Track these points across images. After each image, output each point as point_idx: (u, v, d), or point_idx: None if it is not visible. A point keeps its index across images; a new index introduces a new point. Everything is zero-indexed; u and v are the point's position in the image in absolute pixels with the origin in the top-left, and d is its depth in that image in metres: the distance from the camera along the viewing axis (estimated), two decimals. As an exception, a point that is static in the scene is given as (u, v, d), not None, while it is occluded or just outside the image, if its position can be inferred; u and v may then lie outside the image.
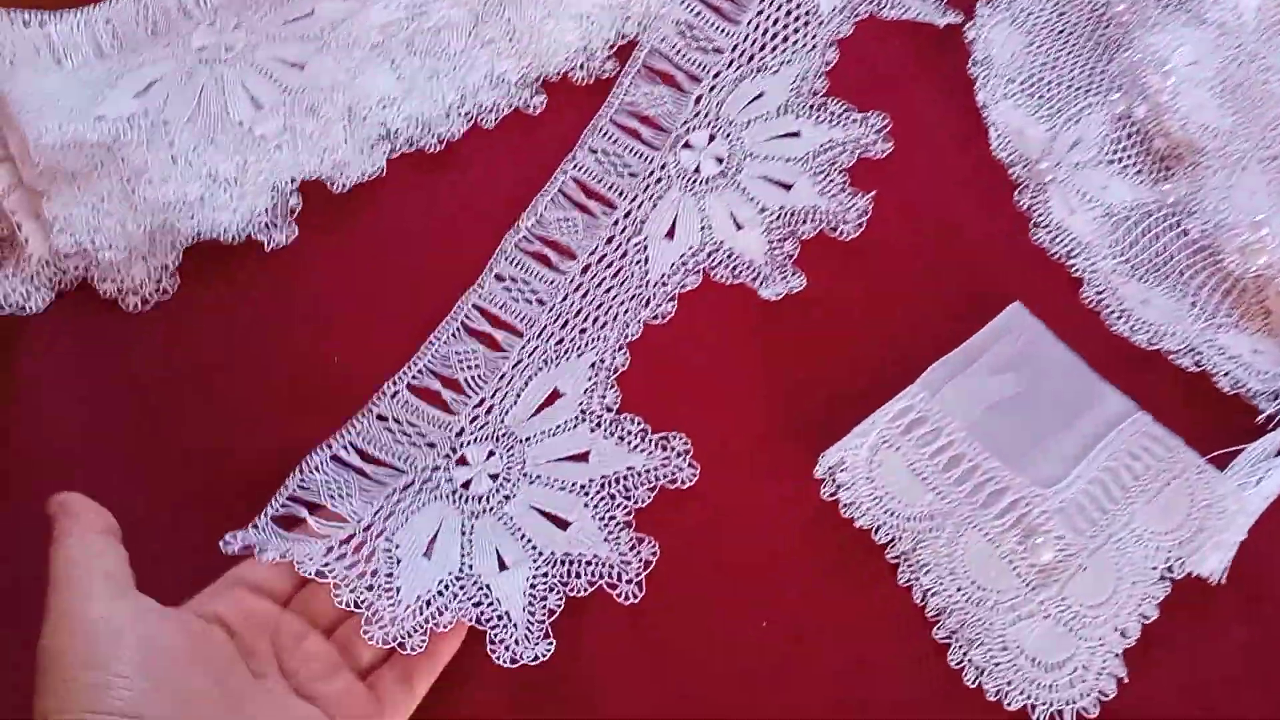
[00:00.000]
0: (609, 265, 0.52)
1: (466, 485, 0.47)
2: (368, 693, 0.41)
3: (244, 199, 0.51)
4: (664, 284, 0.52)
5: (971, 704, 0.43)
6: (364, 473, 0.47)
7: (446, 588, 0.44)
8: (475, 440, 0.48)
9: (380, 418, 0.49)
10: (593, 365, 0.49)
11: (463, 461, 0.48)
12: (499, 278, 0.52)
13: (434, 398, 0.49)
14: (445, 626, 0.43)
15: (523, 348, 0.50)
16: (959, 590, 0.44)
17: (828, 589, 0.45)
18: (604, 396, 0.49)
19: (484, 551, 0.45)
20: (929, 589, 0.45)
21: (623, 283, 0.52)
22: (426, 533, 0.46)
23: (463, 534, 0.46)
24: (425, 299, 0.51)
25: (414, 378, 0.49)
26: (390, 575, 0.44)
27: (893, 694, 0.43)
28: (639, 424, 0.48)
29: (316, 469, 0.47)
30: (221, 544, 0.43)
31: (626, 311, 0.51)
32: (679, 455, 0.47)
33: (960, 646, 0.44)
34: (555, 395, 0.49)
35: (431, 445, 0.48)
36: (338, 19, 0.53)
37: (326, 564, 0.43)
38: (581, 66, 0.57)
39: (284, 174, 0.52)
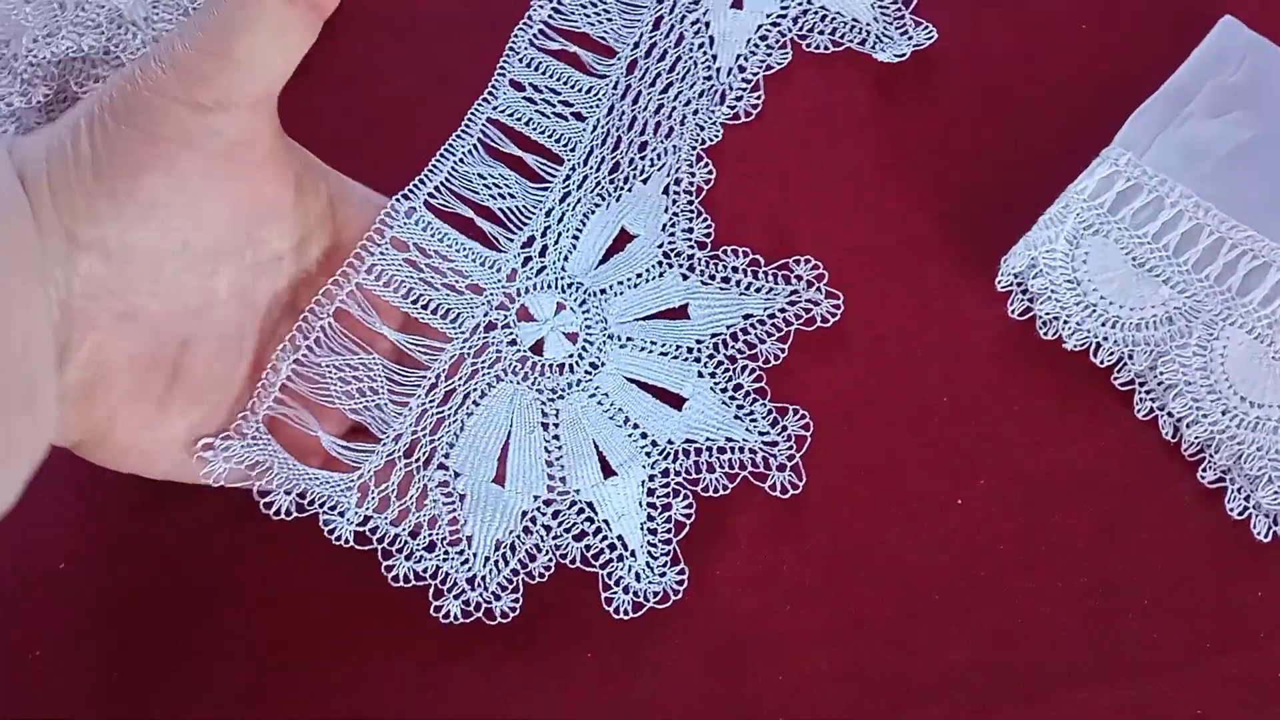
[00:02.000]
0: (662, 57, 0.38)
1: (538, 350, 0.34)
2: None
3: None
4: (740, 68, 0.38)
5: (1265, 566, 0.31)
6: (382, 343, 0.34)
7: (534, 521, 0.32)
8: (536, 288, 0.35)
9: (399, 245, 0.34)
10: (666, 190, 0.36)
11: (526, 315, 0.35)
12: (516, 85, 0.38)
13: (466, 225, 0.36)
14: (540, 576, 0.31)
15: (567, 178, 0.37)
16: (1225, 413, 0.32)
17: (1040, 441, 0.33)
18: (690, 229, 0.35)
19: (578, 451, 0.33)
20: (1182, 417, 0.33)
21: (684, 76, 0.38)
22: (495, 437, 0.33)
23: (545, 428, 0.33)
24: (422, 132, 0.37)
25: (431, 194, 0.36)
26: (455, 521, 0.32)
27: (1149, 561, 0.32)
28: (745, 256, 0.35)
29: (317, 343, 0.33)
30: (195, 461, 0.31)
31: (697, 113, 0.37)
32: (809, 286, 0.34)
33: (1239, 489, 0.32)
34: (625, 237, 0.36)
35: (478, 290, 0.35)
36: None
37: (368, 520, 0.32)
38: None
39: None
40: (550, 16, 0.39)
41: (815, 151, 0.38)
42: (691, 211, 0.36)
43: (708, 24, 0.39)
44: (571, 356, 0.34)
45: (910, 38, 0.38)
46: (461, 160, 0.36)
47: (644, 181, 0.37)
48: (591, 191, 0.37)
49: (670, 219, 0.36)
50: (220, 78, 0.28)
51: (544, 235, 0.36)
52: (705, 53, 0.39)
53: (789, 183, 0.37)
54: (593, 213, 0.36)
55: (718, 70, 0.39)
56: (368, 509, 0.32)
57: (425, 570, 0.32)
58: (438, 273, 0.35)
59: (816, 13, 0.39)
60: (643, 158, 0.37)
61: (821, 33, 0.39)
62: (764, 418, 0.33)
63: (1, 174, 0.28)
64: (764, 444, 0.33)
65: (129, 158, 0.28)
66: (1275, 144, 0.35)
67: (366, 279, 0.34)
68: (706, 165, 0.37)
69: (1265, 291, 0.33)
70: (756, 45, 0.39)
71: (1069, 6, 0.39)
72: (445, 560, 0.32)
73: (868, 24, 0.39)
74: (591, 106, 0.38)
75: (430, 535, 0.32)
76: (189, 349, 0.30)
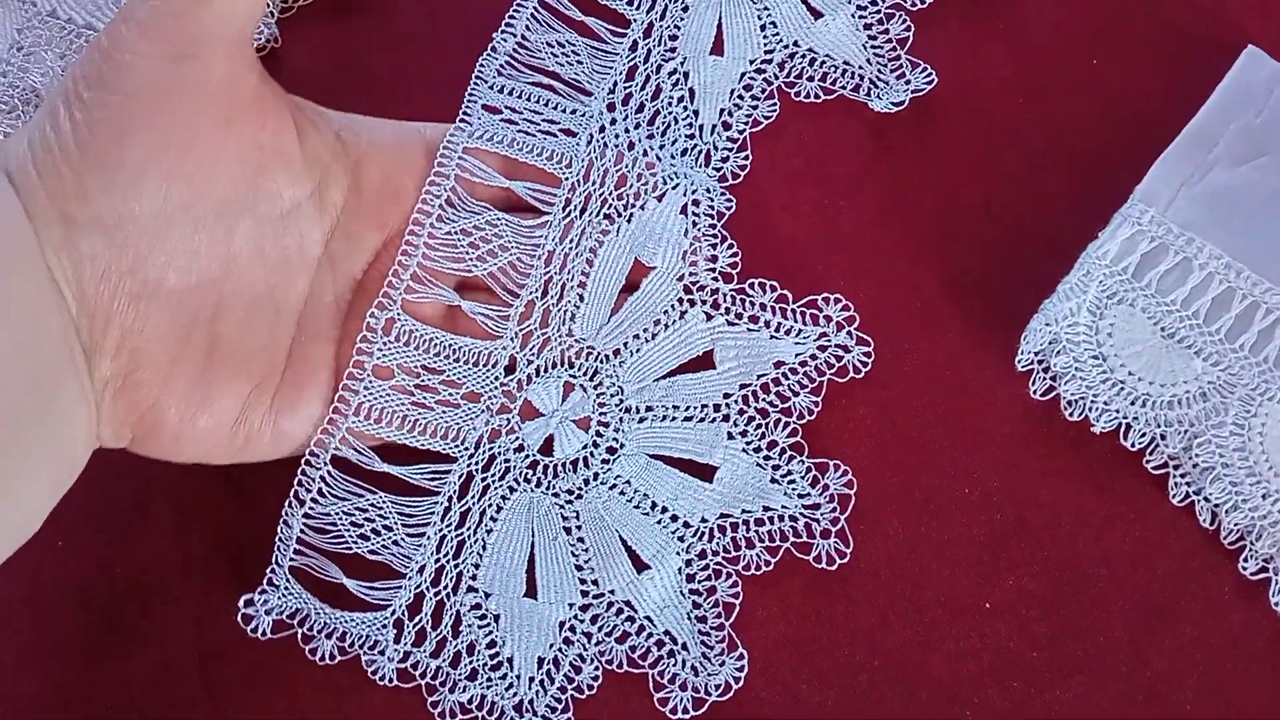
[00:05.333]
0: (640, 109, 0.35)
1: (547, 448, 0.32)
2: None
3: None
4: (725, 125, 0.34)
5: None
6: (388, 480, 0.32)
7: (573, 630, 0.30)
8: (538, 373, 0.32)
9: (382, 373, 0.32)
10: (684, 210, 0.33)
11: (531, 413, 0.32)
12: (490, 110, 0.34)
13: (453, 316, 0.33)
14: (589, 688, 0.30)
15: (567, 202, 0.33)
16: (1266, 497, 0.30)
17: (1070, 533, 0.31)
18: (714, 256, 0.33)
19: (606, 550, 0.31)
20: (1221, 503, 0.30)
21: (664, 132, 0.34)
22: (519, 550, 0.31)
23: (568, 532, 0.31)
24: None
25: (410, 289, 0.32)
26: (493, 644, 0.30)
27: (1191, 662, 0.30)
28: (774, 290, 0.32)
29: (321, 493, 0.31)
30: (240, 619, 0.30)
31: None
32: (840, 329, 0.32)
33: (1284, 578, 0.30)
34: (640, 270, 0.33)
35: (474, 398, 0.32)
36: None
37: (408, 655, 0.30)
38: None
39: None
40: (515, 50, 0.36)
41: (806, 214, 0.35)
42: (715, 236, 0.33)
43: (686, 75, 0.36)
44: (585, 448, 0.32)
45: (908, 82, 0.35)
46: (439, 219, 0.33)
47: (659, 199, 0.33)
48: (597, 214, 0.33)
49: (691, 244, 0.33)
50: (187, 24, 0.27)
51: (544, 295, 0.33)
52: (686, 108, 0.36)
53: (776, 253, 0.34)
54: (600, 244, 0.33)
55: (700, 128, 0.35)
56: (406, 644, 0.30)
57: (471, 701, 0.30)
58: (429, 391, 0.32)
59: (804, 56, 0.36)
60: (654, 174, 0.33)
61: (811, 79, 0.36)
62: (803, 478, 0.31)
63: None
64: (805, 508, 0.31)
65: (110, 124, 0.27)
66: (1305, 193, 0.33)
67: (356, 421, 0.31)
68: (726, 195, 0.34)
69: (1305, 359, 0.31)
70: (741, 96, 0.36)
71: (1075, 40, 0.36)
72: (489, 687, 0.30)
73: (860, 67, 0.36)
74: (580, 121, 0.34)
75: (471, 663, 0.30)
76: (221, 317, 0.29)
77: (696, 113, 0.36)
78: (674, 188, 0.33)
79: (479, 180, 0.33)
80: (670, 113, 0.36)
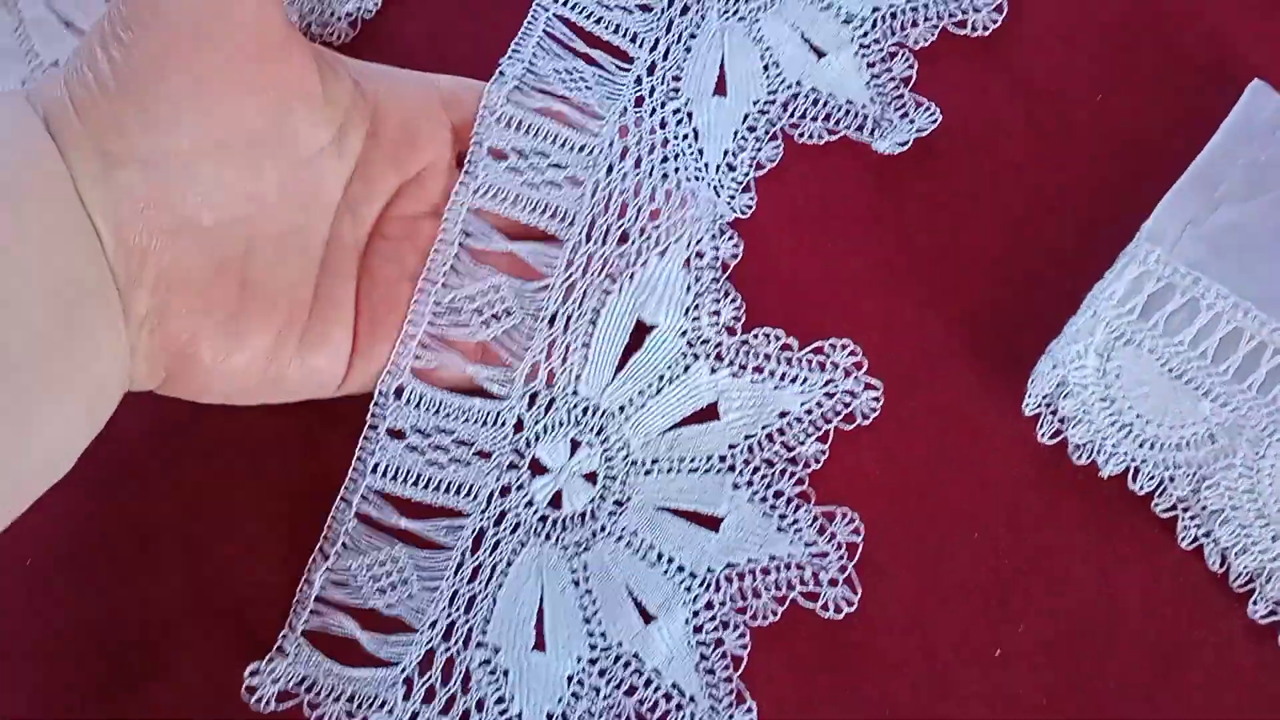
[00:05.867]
0: (642, 146, 0.35)
1: (556, 503, 0.32)
2: None
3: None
4: (730, 166, 0.34)
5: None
6: (406, 534, 0.32)
7: (581, 684, 0.30)
8: (546, 430, 0.33)
9: (395, 434, 0.32)
10: (688, 264, 0.33)
11: (539, 468, 0.32)
12: (496, 154, 0.34)
13: (458, 379, 0.33)
14: None
15: (569, 264, 0.33)
16: (1276, 539, 0.30)
17: (1080, 578, 0.31)
18: (717, 311, 0.32)
19: (613, 601, 0.31)
20: (1230, 546, 0.30)
21: (670, 174, 0.34)
22: (528, 603, 0.31)
23: (576, 585, 0.31)
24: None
25: (418, 355, 0.33)
26: (502, 700, 0.30)
27: (1203, 708, 0.30)
28: (778, 340, 0.32)
29: (345, 545, 0.32)
30: (244, 692, 0.31)
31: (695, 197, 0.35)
32: (846, 375, 0.32)
33: (1294, 622, 0.30)
34: (643, 329, 0.33)
35: (485, 455, 0.32)
36: None
37: (416, 716, 0.30)
38: None
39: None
40: (524, 75, 0.36)
41: (810, 259, 0.35)
42: (718, 291, 0.33)
43: (690, 114, 0.36)
44: (593, 501, 0.32)
45: (912, 121, 0.35)
46: (444, 284, 0.33)
47: (661, 255, 0.34)
48: (599, 274, 0.33)
49: (694, 300, 0.33)
50: None
51: (549, 356, 0.33)
52: (691, 145, 0.36)
53: (781, 297, 0.34)
54: (603, 304, 0.33)
55: (705, 166, 0.36)
56: (415, 703, 0.30)
57: None
58: (441, 449, 0.32)
59: (807, 96, 0.36)
60: (656, 226, 0.34)
61: (815, 119, 0.36)
62: (810, 526, 0.31)
63: (11, 113, 0.28)
64: (812, 557, 0.31)
65: (149, 62, 0.28)
66: (1312, 229, 0.32)
67: (374, 479, 0.32)
68: (733, 238, 0.34)
69: (1313, 402, 0.31)
70: (745, 138, 0.36)
71: (1080, 74, 0.36)
72: None
73: (864, 106, 0.36)
74: (587, 166, 0.35)
75: (480, 719, 0.30)
76: (251, 256, 0.30)
77: (701, 151, 0.36)
78: (677, 240, 0.33)
79: (481, 247, 0.34)
80: (678, 146, 0.36)
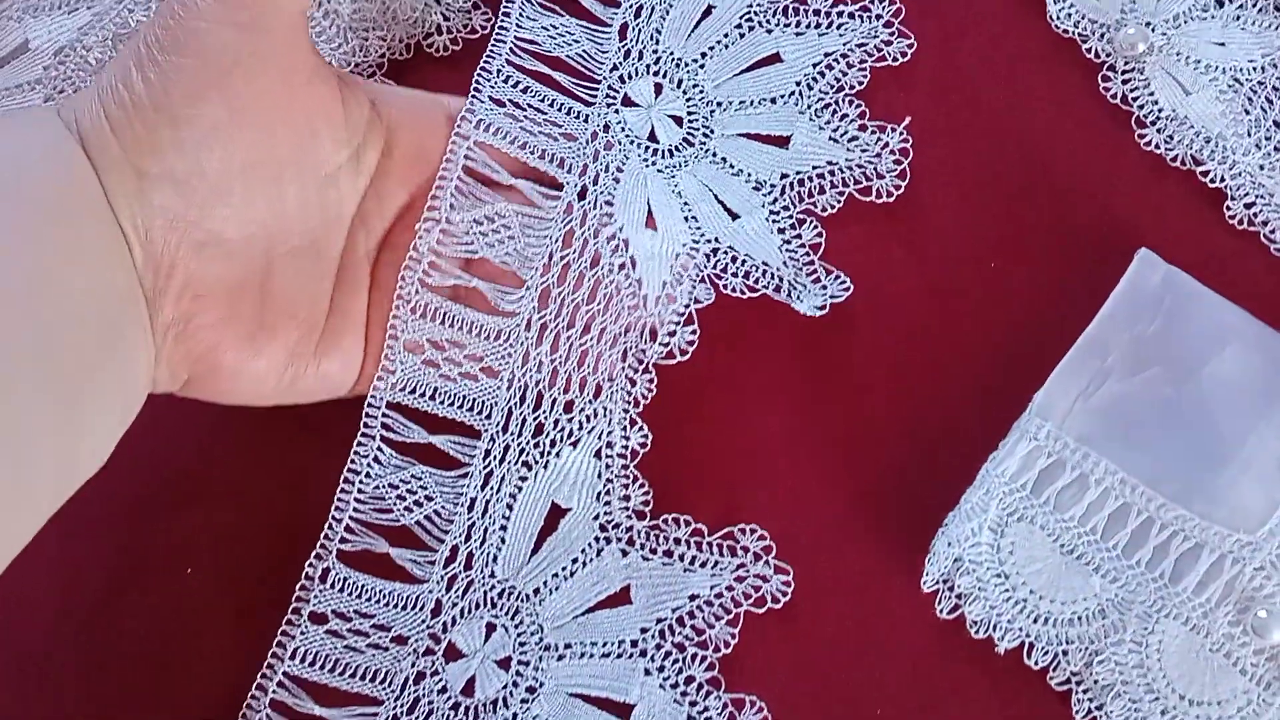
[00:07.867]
0: (579, 283, 0.35)
1: (469, 690, 0.33)
2: None
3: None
4: (670, 298, 0.35)
5: None
6: None
7: None
8: (462, 614, 0.34)
9: (317, 618, 0.33)
10: (598, 454, 0.34)
11: (454, 654, 0.33)
12: (410, 348, 0.35)
13: (383, 564, 0.34)
14: None
15: (488, 453, 0.35)
16: (1165, 713, 0.31)
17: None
18: (627, 496, 0.34)
19: None
20: (1122, 719, 0.31)
21: (607, 307, 0.35)
22: None
23: None
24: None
25: (344, 540, 0.34)
26: None
27: None
28: (688, 525, 0.33)
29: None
30: None
31: (625, 354, 0.35)
32: (757, 559, 0.33)
33: (1183, 796, 0.31)
34: (557, 512, 0.35)
35: (402, 640, 0.33)
36: None
37: None
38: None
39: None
40: (436, 245, 0.36)
41: (719, 432, 0.36)
42: (627, 478, 0.35)
43: (626, 241, 0.37)
44: (505, 688, 0.33)
45: (824, 288, 0.36)
46: (366, 475, 0.34)
47: (573, 445, 0.35)
48: (516, 463, 0.35)
49: (605, 486, 0.34)
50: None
51: (468, 539, 0.34)
52: (628, 276, 0.36)
53: (692, 474, 0.35)
54: (519, 490, 0.35)
55: (644, 298, 0.36)
56: None
57: None
58: (360, 634, 0.34)
59: (726, 253, 0.37)
60: (570, 419, 0.35)
61: (735, 275, 0.37)
62: (719, 715, 0.32)
63: (47, 131, 0.29)
64: None
65: (184, 86, 0.30)
66: (1195, 403, 0.33)
67: (293, 665, 0.33)
68: (641, 429, 0.35)
69: (1198, 577, 0.32)
70: (679, 275, 0.37)
71: (974, 244, 0.37)
72: None
73: (778, 268, 0.36)
74: (504, 357, 0.35)
75: None
76: (272, 269, 0.32)
77: (640, 281, 0.36)
78: (589, 431, 0.34)
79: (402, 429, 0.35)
80: (613, 280, 0.36)
